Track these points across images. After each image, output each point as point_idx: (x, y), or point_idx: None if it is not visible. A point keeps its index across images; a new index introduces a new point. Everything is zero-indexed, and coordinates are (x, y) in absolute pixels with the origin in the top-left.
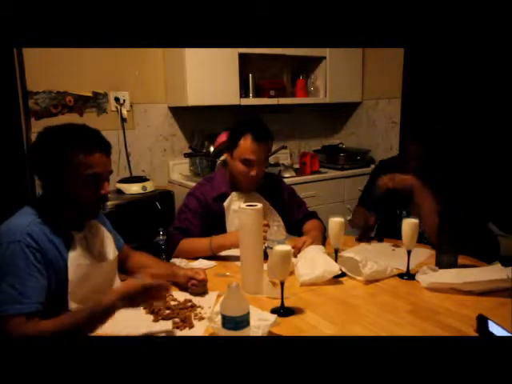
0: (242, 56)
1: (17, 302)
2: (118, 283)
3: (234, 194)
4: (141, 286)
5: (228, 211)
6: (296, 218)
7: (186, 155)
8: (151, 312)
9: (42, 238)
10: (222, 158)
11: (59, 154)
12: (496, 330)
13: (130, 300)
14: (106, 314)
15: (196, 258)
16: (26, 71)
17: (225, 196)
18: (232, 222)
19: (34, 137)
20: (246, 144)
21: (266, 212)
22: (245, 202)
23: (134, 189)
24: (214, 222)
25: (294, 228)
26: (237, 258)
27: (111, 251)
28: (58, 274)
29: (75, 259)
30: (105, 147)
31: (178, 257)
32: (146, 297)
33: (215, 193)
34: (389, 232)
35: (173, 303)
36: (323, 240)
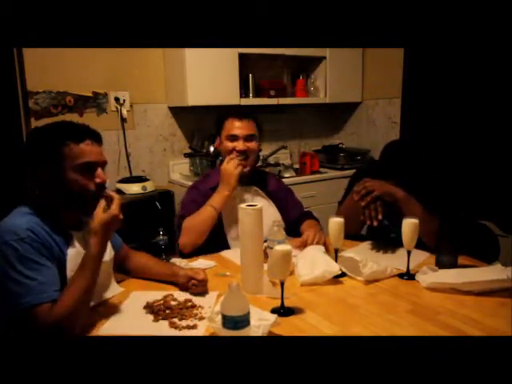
0: (242, 56)
1: (39, 291)
2: (113, 284)
3: None
4: (111, 216)
5: None
6: (292, 217)
7: (186, 155)
8: (151, 312)
9: (44, 234)
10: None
11: (49, 148)
12: None
13: (109, 228)
14: (100, 253)
15: (191, 255)
16: (26, 71)
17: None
18: (228, 213)
19: None
20: (229, 122)
21: (264, 207)
22: (241, 193)
23: (134, 189)
24: None
25: (290, 227)
26: (237, 258)
27: (108, 251)
28: (58, 269)
29: (74, 258)
30: (94, 136)
31: (186, 238)
32: (116, 217)
33: (212, 184)
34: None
35: (173, 303)
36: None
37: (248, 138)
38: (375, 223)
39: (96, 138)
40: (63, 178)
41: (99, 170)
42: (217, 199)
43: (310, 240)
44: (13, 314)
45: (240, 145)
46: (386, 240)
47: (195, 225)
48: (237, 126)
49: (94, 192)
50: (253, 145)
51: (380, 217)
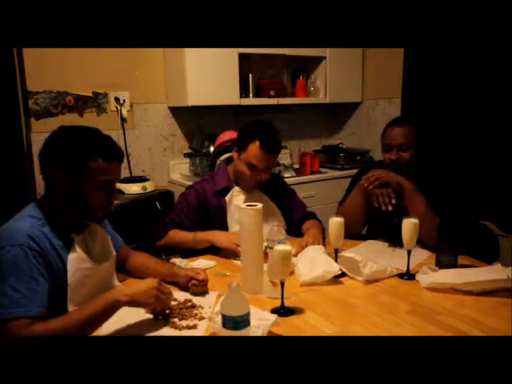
0: (241, 56)
1: (21, 305)
2: (116, 284)
3: (235, 189)
4: (155, 294)
5: (230, 205)
6: (295, 218)
7: (186, 155)
8: (151, 312)
9: (43, 241)
10: (223, 157)
11: (78, 157)
12: None
13: (139, 302)
14: (112, 310)
15: (185, 255)
16: (25, 71)
17: (226, 190)
18: (233, 216)
19: (33, 137)
20: (254, 150)
21: (267, 209)
22: (246, 197)
23: (134, 189)
24: (213, 216)
25: (293, 228)
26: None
27: (110, 253)
28: (57, 276)
29: (75, 262)
30: (121, 155)
31: (163, 245)
32: (154, 302)
33: (217, 187)
34: (379, 236)
35: (173, 303)
36: (323, 239)
37: (267, 170)
38: (390, 208)
39: (122, 157)
40: (80, 188)
41: (115, 186)
42: (203, 237)
43: (308, 245)
44: None
45: (257, 177)
46: (389, 228)
47: (172, 242)
48: (262, 159)
49: (103, 206)
50: (268, 175)
51: (394, 201)
